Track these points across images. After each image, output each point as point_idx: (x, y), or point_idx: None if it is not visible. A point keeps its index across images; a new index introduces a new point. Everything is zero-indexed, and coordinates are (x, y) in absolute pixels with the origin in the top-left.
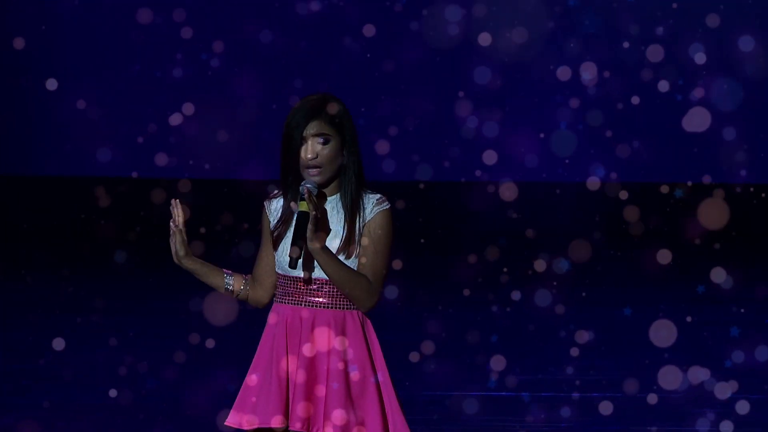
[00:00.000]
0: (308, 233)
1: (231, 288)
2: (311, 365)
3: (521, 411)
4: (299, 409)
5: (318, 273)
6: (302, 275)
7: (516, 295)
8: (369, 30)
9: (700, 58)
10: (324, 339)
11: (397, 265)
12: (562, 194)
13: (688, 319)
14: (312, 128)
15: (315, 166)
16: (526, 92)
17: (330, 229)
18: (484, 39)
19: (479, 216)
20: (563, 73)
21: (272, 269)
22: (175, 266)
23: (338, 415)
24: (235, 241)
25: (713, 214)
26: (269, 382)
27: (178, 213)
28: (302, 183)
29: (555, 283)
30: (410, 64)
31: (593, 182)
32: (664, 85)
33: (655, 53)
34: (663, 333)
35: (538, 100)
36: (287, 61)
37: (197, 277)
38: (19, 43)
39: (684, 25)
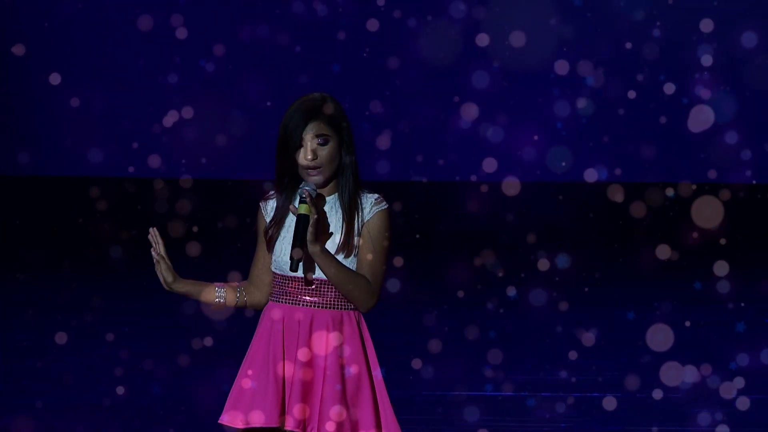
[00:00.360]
0: (309, 236)
1: (223, 301)
2: (308, 365)
3: (521, 411)
4: (296, 409)
5: (317, 273)
6: (301, 276)
7: (515, 295)
8: (370, 28)
9: (706, 60)
10: (322, 339)
11: (398, 262)
12: (562, 194)
13: (689, 318)
14: (311, 129)
15: (315, 167)
16: (525, 93)
17: (330, 231)
18: (482, 39)
19: (478, 216)
20: (563, 73)
21: (269, 269)
22: (178, 265)
23: (333, 415)
24: (237, 242)
25: (708, 212)
26: (266, 382)
27: (157, 241)
28: (301, 185)
29: (554, 283)
30: (408, 64)
31: (590, 176)
32: (669, 87)
33: (658, 52)
34: (660, 337)
35: (537, 100)
36: (286, 61)
37: (191, 298)
38: (18, 47)
39: (686, 25)
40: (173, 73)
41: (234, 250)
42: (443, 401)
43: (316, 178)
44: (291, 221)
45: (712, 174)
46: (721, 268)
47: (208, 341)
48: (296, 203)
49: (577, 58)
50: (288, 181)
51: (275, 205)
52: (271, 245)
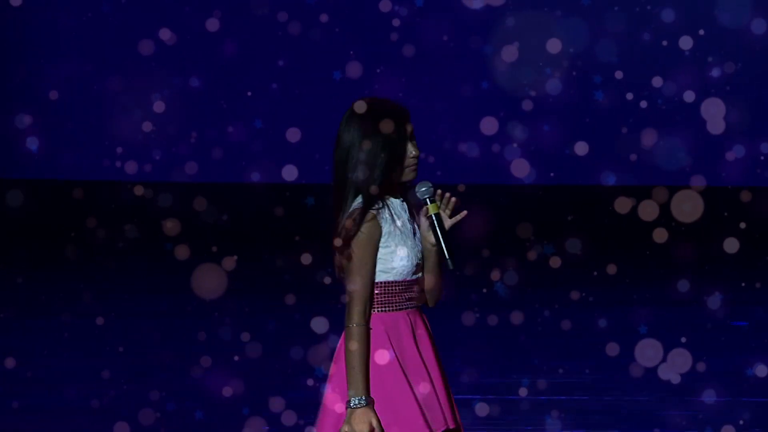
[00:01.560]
0: (447, 230)
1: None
2: (435, 365)
3: (517, 412)
4: (447, 407)
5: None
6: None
7: (512, 296)
8: (360, 26)
9: (716, 70)
10: (429, 337)
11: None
12: (562, 195)
13: (685, 319)
14: (409, 128)
15: (416, 163)
16: (520, 93)
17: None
18: (477, 41)
19: (475, 216)
20: (562, 74)
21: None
22: (167, 267)
23: (455, 407)
24: (235, 243)
25: (688, 207)
26: (425, 389)
27: None
28: (416, 187)
29: (551, 284)
30: (400, 63)
31: (596, 179)
32: (688, 94)
33: (663, 53)
34: (649, 352)
35: (534, 100)
36: (279, 61)
37: None
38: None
39: (691, 24)
40: (174, 75)
41: (230, 251)
42: None
43: (415, 174)
44: (407, 227)
45: (723, 175)
46: (730, 245)
47: (201, 336)
48: (395, 208)
49: (576, 57)
50: (398, 184)
51: (395, 211)
52: (397, 251)
